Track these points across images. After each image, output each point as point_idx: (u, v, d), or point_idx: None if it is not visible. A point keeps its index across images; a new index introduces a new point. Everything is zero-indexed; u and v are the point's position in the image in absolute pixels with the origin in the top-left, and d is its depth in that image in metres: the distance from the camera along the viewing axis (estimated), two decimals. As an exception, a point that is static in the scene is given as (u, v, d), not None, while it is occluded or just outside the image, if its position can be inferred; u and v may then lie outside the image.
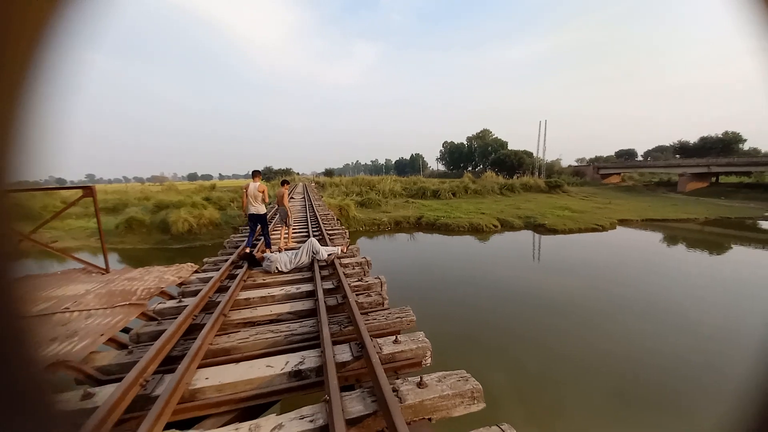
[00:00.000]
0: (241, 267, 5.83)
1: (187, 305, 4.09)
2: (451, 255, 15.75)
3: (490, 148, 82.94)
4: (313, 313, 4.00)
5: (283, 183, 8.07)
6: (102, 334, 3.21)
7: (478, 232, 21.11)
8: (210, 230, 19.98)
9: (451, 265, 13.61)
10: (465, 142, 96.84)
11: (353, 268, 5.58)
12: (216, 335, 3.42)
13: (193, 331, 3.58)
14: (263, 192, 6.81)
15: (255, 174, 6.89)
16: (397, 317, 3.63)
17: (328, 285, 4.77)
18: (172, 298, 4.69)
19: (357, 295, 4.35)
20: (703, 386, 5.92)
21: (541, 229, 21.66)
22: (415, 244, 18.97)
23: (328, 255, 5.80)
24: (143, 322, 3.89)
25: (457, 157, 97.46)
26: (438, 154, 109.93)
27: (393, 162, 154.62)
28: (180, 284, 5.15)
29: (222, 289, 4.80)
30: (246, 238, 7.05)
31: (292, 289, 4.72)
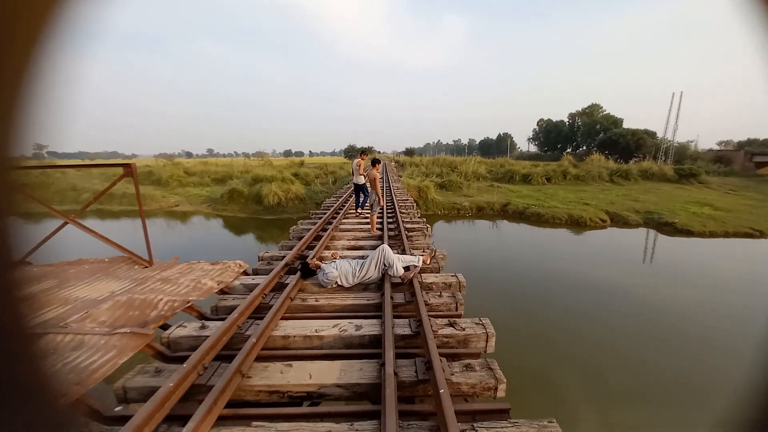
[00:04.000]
0: (295, 271, 4.61)
1: (208, 336, 2.92)
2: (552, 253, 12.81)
3: (598, 127, 70.40)
4: (374, 391, 2.41)
5: (374, 163, 7.10)
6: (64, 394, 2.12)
7: (579, 225, 17.07)
8: (296, 204, 20.97)
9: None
10: (566, 120, 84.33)
11: (440, 295, 3.83)
12: (215, 426, 2.09)
13: (197, 394, 2.35)
14: (360, 166, 8.80)
15: (362, 152, 9.17)
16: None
17: (403, 328, 3.14)
18: (202, 317, 3.61)
19: (449, 361, 2.63)
20: None
21: (667, 228, 16.50)
22: (501, 234, 16.26)
23: (405, 270, 4.17)
24: (140, 365, 2.73)
25: (554, 136, 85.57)
26: (531, 134, 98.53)
27: (477, 142, 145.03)
28: (221, 291, 4.11)
29: (262, 309, 3.57)
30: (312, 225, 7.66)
31: (349, 327, 3.19)
